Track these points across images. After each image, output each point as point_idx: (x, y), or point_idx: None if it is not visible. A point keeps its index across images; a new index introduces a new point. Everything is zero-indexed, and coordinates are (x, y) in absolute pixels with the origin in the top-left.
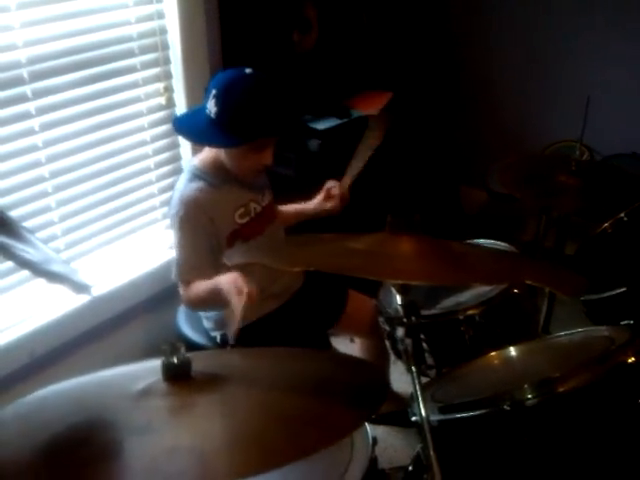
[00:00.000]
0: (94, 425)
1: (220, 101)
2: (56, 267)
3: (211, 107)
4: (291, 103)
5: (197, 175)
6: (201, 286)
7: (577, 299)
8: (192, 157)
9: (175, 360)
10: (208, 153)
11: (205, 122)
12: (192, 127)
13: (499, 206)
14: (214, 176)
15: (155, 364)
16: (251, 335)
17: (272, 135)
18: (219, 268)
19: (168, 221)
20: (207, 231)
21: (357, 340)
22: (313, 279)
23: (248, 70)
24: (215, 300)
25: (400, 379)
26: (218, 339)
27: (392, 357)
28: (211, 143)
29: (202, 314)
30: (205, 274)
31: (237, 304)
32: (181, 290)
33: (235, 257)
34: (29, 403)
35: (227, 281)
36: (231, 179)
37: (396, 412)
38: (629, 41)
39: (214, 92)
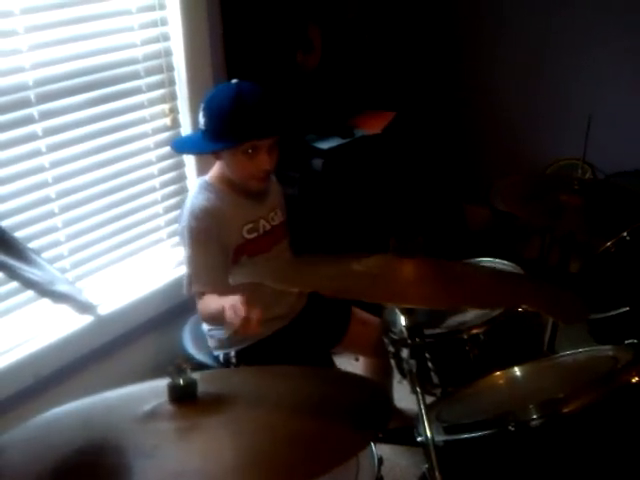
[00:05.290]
0: (101, 449)
1: (206, 111)
2: (61, 287)
3: (201, 120)
4: (281, 107)
5: (206, 188)
6: (211, 303)
7: None
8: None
9: (181, 382)
10: (217, 169)
11: (198, 135)
12: (187, 142)
13: (504, 224)
14: (223, 190)
15: (161, 385)
16: (255, 354)
17: (257, 136)
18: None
19: (176, 239)
20: (218, 242)
21: (361, 358)
22: (317, 298)
23: (234, 80)
24: (221, 319)
25: (406, 398)
26: (221, 358)
27: (398, 377)
28: (201, 151)
29: (206, 333)
30: (217, 288)
31: (232, 327)
32: (198, 303)
33: (237, 277)
34: (35, 426)
35: (228, 305)
36: (241, 194)
37: (402, 429)
38: (631, 58)
39: (202, 106)
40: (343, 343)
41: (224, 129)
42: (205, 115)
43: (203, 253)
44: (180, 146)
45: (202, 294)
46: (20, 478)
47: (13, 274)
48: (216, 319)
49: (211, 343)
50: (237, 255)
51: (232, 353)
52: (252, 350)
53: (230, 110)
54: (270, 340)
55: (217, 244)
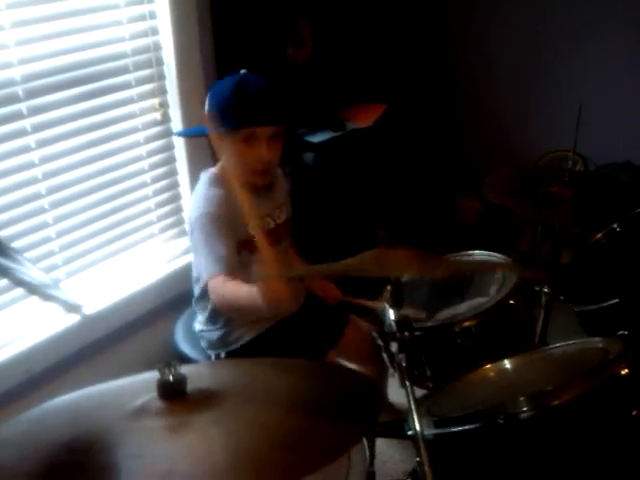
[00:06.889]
0: (88, 447)
1: (210, 99)
2: (47, 290)
3: (206, 108)
4: (284, 100)
5: (215, 183)
6: (241, 287)
7: (572, 310)
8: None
9: (170, 378)
10: (222, 164)
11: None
12: (190, 129)
13: (496, 216)
14: (230, 186)
15: (152, 376)
16: (245, 356)
17: (255, 123)
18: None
19: (169, 233)
20: (230, 229)
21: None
22: (314, 301)
23: (243, 71)
24: (248, 305)
25: (400, 392)
26: (212, 358)
27: (390, 370)
28: (198, 133)
29: (198, 333)
30: (234, 269)
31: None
32: (212, 287)
33: None
34: (25, 421)
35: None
36: (247, 189)
37: (393, 422)
38: (622, 49)
39: (208, 94)
40: (337, 348)
41: (224, 114)
42: (209, 103)
43: (219, 234)
44: (182, 131)
45: (219, 279)
46: (6, 475)
47: (4, 271)
48: (242, 305)
49: (203, 343)
50: (239, 249)
51: (222, 354)
52: (242, 351)
53: (230, 95)
54: (260, 341)
55: (229, 230)
